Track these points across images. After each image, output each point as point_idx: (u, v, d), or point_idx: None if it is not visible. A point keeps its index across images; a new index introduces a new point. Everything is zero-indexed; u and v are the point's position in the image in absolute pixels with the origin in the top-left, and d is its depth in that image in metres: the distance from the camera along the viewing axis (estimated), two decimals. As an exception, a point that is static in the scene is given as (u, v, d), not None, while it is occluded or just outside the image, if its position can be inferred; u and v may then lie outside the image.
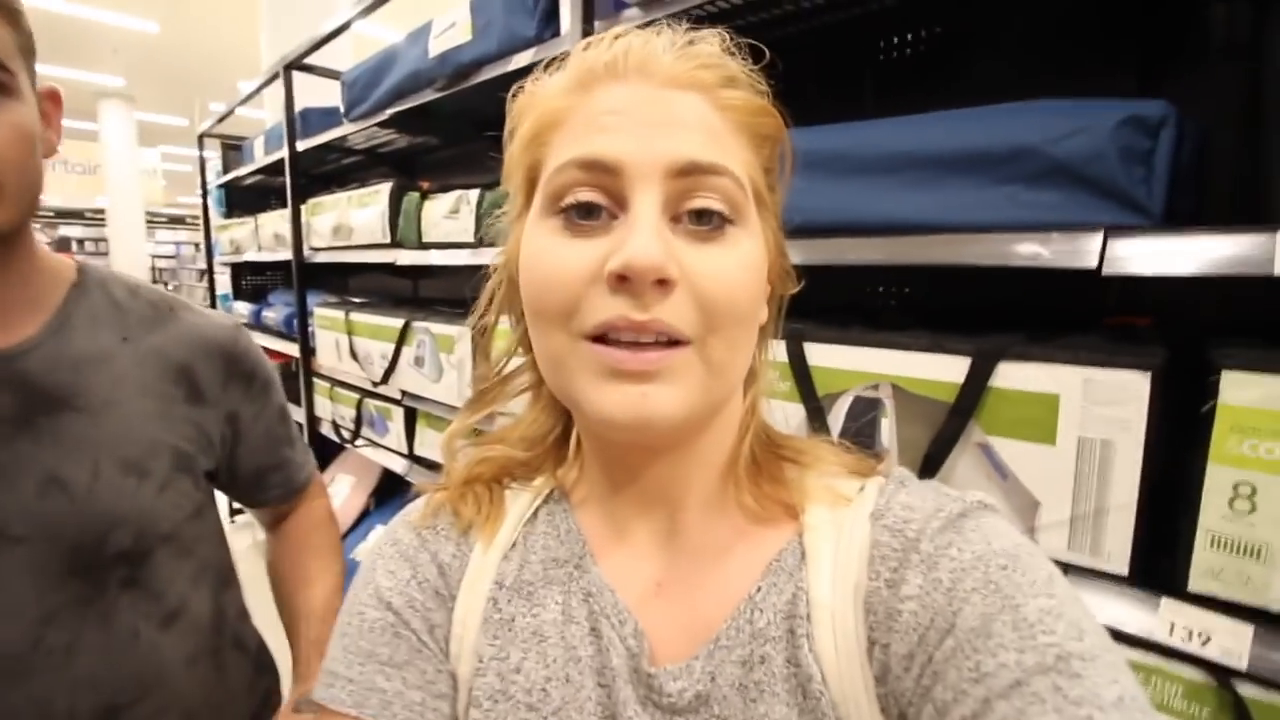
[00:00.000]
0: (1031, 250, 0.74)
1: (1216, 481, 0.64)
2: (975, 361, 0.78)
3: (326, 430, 2.38)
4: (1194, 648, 0.66)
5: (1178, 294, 0.84)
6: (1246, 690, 0.65)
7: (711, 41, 0.40)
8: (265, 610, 0.86)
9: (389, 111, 1.82)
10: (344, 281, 3.01)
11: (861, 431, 0.87)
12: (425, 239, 1.77)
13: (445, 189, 1.73)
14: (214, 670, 0.73)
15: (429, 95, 1.64)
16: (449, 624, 0.43)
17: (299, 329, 2.46)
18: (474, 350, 1.48)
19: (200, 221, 3.99)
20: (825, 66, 1.15)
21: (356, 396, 2.13)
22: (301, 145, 2.36)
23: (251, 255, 2.97)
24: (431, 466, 1.87)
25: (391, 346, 1.82)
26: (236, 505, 0.83)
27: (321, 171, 2.93)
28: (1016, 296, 0.97)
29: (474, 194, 1.60)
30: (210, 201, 3.80)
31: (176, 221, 13.51)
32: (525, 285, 0.39)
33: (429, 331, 1.69)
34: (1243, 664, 0.63)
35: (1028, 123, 0.76)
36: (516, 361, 0.48)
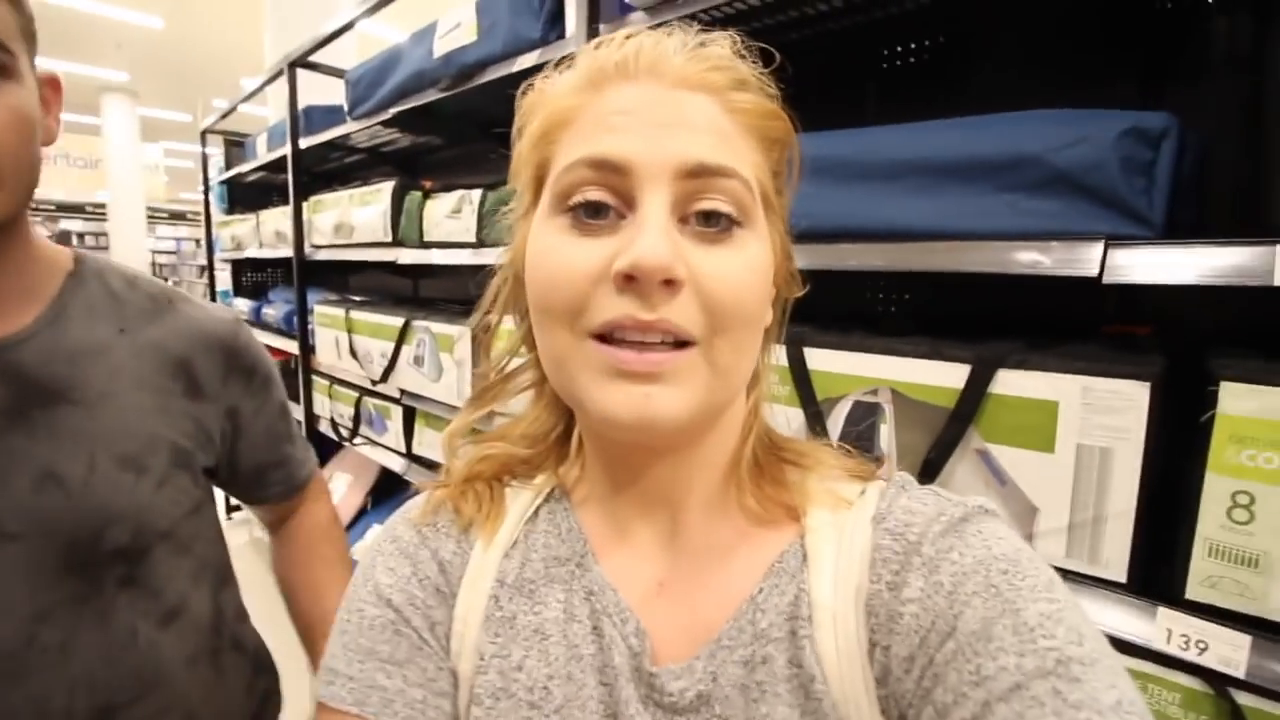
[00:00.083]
0: (1032, 258, 0.75)
1: (1215, 491, 0.64)
2: (975, 368, 0.78)
3: (325, 428, 2.38)
4: (1191, 656, 0.66)
5: (1177, 303, 0.84)
6: (1244, 699, 0.65)
7: (723, 44, 0.40)
8: (263, 609, 0.85)
9: (392, 111, 1.82)
10: (344, 279, 3.01)
11: (861, 436, 0.88)
12: (427, 238, 1.77)
13: (448, 189, 1.74)
14: (213, 670, 0.72)
15: (433, 95, 1.64)
16: (450, 621, 0.43)
17: (299, 326, 2.46)
18: (477, 348, 1.48)
19: (201, 217, 3.99)
20: (829, 73, 1.15)
21: (355, 395, 2.13)
22: (304, 143, 2.37)
23: (252, 252, 2.97)
24: (430, 466, 1.87)
25: (391, 345, 1.82)
26: (234, 502, 0.81)
27: (324, 169, 2.93)
28: (1017, 304, 0.98)
29: (476, 194, 1.60)
30: (212, 198, 3.80)
31: (178, 217, 13.51)
32: (531, 283, 0.39)
33: (429, 330, 1.69)
34: (1240, 672, 0.63)
35: (1030, 131, 0.76)
36: (519, 360, 0.48)
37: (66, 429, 0.61)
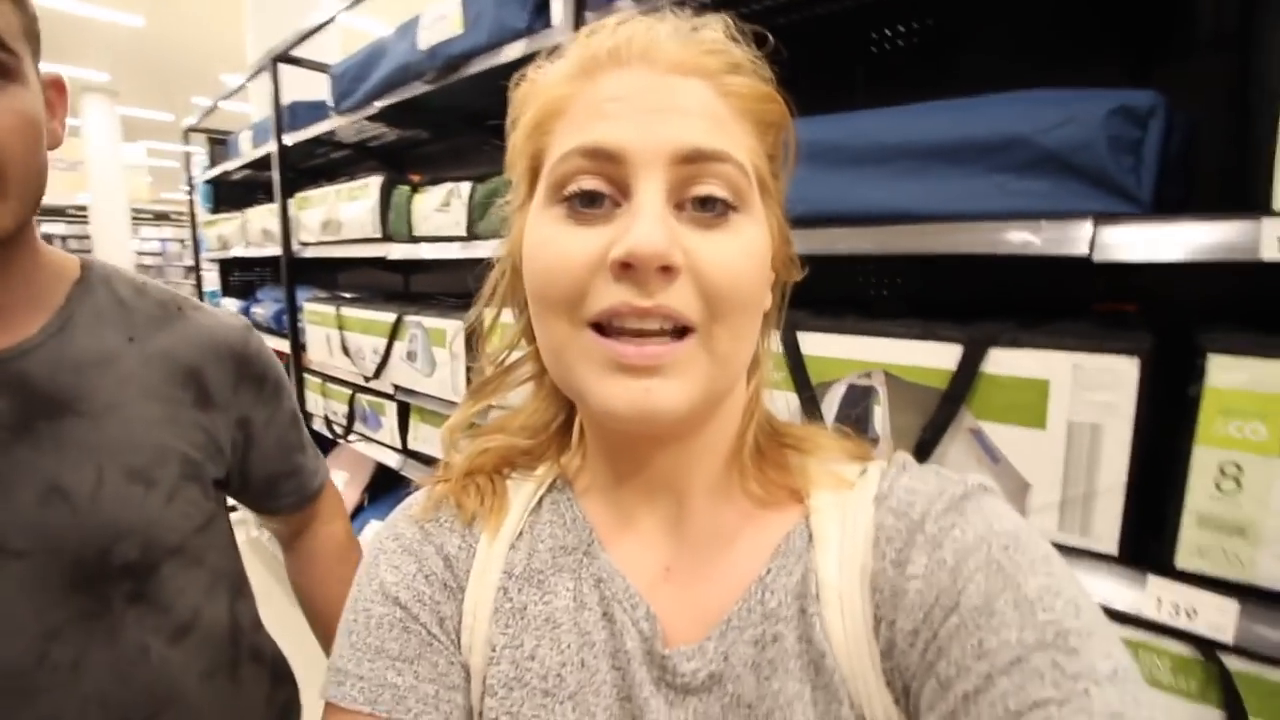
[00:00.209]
0: (1022, 238, 0.75)
1: (1203, 462, 0.66)
2: (967, 349, 0.79)
3: (319, 426, 2.37)
4: (1181, 623, 0.67)
5: (1165, 280, 0.85)
6: (1233, 663, 0.66)
7: (715, 27, 0.40)
8: (266, 616, 0.83)
9: (378, 105, 1.80)
10: (333, 276, 2.99)
11: (855, 419, 0.88)
12: (416, 232, 1.76)
13: (436, 182, 1.73)
14: (231, 684, 0.70)
15: (419, 88, 1.63)
16: (459, 615, 0.43)
17: (289, 325, 2.45)
18: (473, 342, 1.48)
19: (186, 217, 3.94)
20: (818, 58, 1.15)
21: (349, 392, 2.12)
22: (289, 139, 2.34)
23: (239, 251, 2.95)
24: (426, 461, 1.87)
25: (383, 341, 1.82)
26: (230, 502, 0.80)
27: (309, 166, 2.90)
28: (1007, 284, 0.99)
29: (465, 187, 1.60)
30: (196, 197, 3.76)
31: (162, 218, 13.33)
32: (529, 274, 0.39)
33: (421, 325, 1.69)
34: (1229, 638, 0.65)
35: (1018, 112, 0.77)
36: (518, 353, 0.48)
37: (73, 441, 0.59)
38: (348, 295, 2.40)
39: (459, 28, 1.45)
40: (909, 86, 1.09)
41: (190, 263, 3.97)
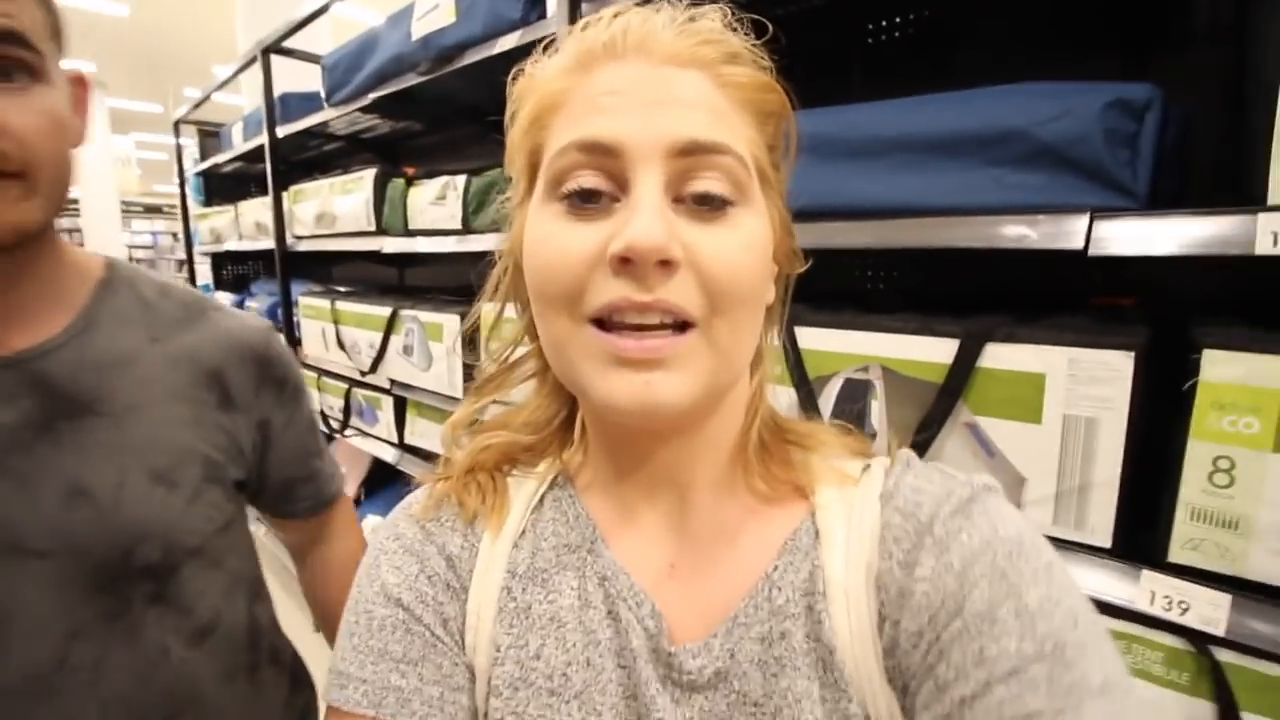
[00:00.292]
0: (1019, 232, 0.75)
1: (1197, 456, 0.66)
2: (964, 343, 0.79)
3: (314, 420, 2.36)
4: (1174, 616, 0.68)
5: (1162, 274, 0.86)
6: (1224, 656, 0.67)
7: (713, 17, 0.39)
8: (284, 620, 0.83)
9: (371, 96, 1.79)
10: (327, 270, 2.97)
11: (852, 413, 0.89)
12: (411, 226, 1.75)
13: (431, 175, 1.71)
14: (250, 686, 0.70)
15: (412, 79, 1.61)
16: (463, 615, 0.43)
17: (283, 319, 2.44)
18: (473, 337, 1.47)
19: (178, 210, 3.91)
20: (814, 49, 1.14)
21: (344, 386, 2.12)
22: (282, 131, 2.32)
23: (232, 244, 2.92)
24: (423, 455, 1.87)
25: (379, 335, 1.81)
26: None
27: (302, 158, 2.88)
28: (1004, 278, 0.99)
29: (461, 179, 1.59)
30: (188, 189, 3.73)
31: (153, 210, 13.23)
32: (529, 271, 0.39)
33: (417, 319, 1.68)
34: (1220, 631, 0.65)
35: (1015, 105, 0.76)
36: (521, 350, 0.47)
37: (95, 442, 0.59)
38: (342, 289, 2.39)
39: (452, 18, 1.44)
40: (906, 79, 1.09)
41: (182, 256, 3.94)
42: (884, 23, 1.18)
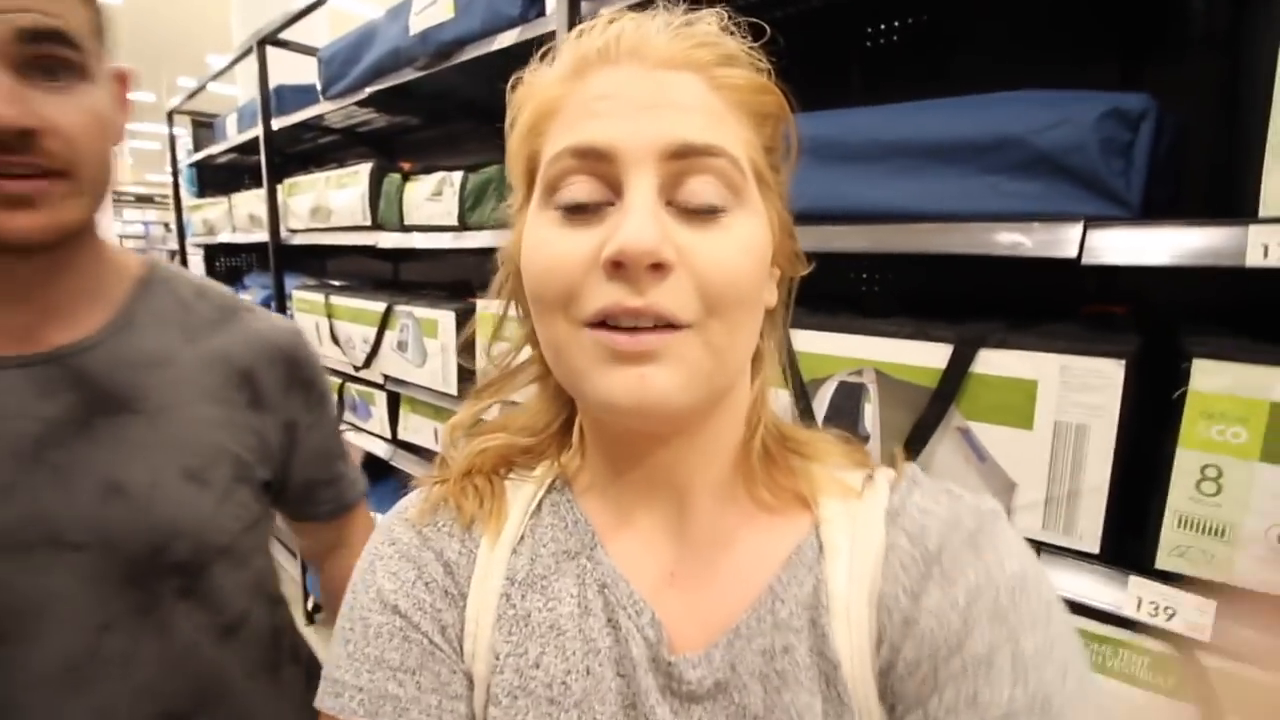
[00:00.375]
0: (1013, 240, 0.76)
1: (1185, 465, 0.67)
2: (957, 348, 0.80)
3: (307, 415, 2.36)
4: (1160, 621, 0.69)
5: (1154, 282, 0.86)
6: (1209, 661, 0.68)
7: (709, 21, 0.39)
8: None
9: (368, 90, 1.78)
10: (321, 264, 2.96)
11: (846, 416, 0.89)
12: (407, 221, 1.74)
13: (427, 170, 1.71)
14: (272, 684, 0.71)
15: (410, 74, 1.61)
16: (461, 623, 0.42)
17: (277, 312, 2.42)
18: (471, 337, 1.47)
19: (170, 201, 3.87)
20: (813, 52, 1.15)
21: (338, 381, 2.11)
22: (277, 124, 2.31)
23: (225, 237, 2.90)
24: (416, 451, 1.86)
25: (373, 330, 1.80)
26: None
27: (297, 150, 2.86)
28: (999, 282, 0.99)
29: (457, 176, 1.58)
30: (181, 180, 3.70)
31: (145, 200, 13.11)
32: (526, 276, 0.39)
33: (412, 315, 1.68)
34: (1206, 636, 0.66)
35: (1012, 113, 0.77)
36: (524, 355, 0.47)
37: (130, 439, 0.60)
38: (337, 283, 2.38)
39: (450, 13, 1.43)
40: (904, 82, 1.10)
41: (175, 247, 3.91)
42: (883, 25, 1.19)
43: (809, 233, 0.88)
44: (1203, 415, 0.65)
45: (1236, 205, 0.69)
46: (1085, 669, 0.35)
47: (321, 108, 2.03)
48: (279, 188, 2.32)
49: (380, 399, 1.93)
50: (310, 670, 0.80)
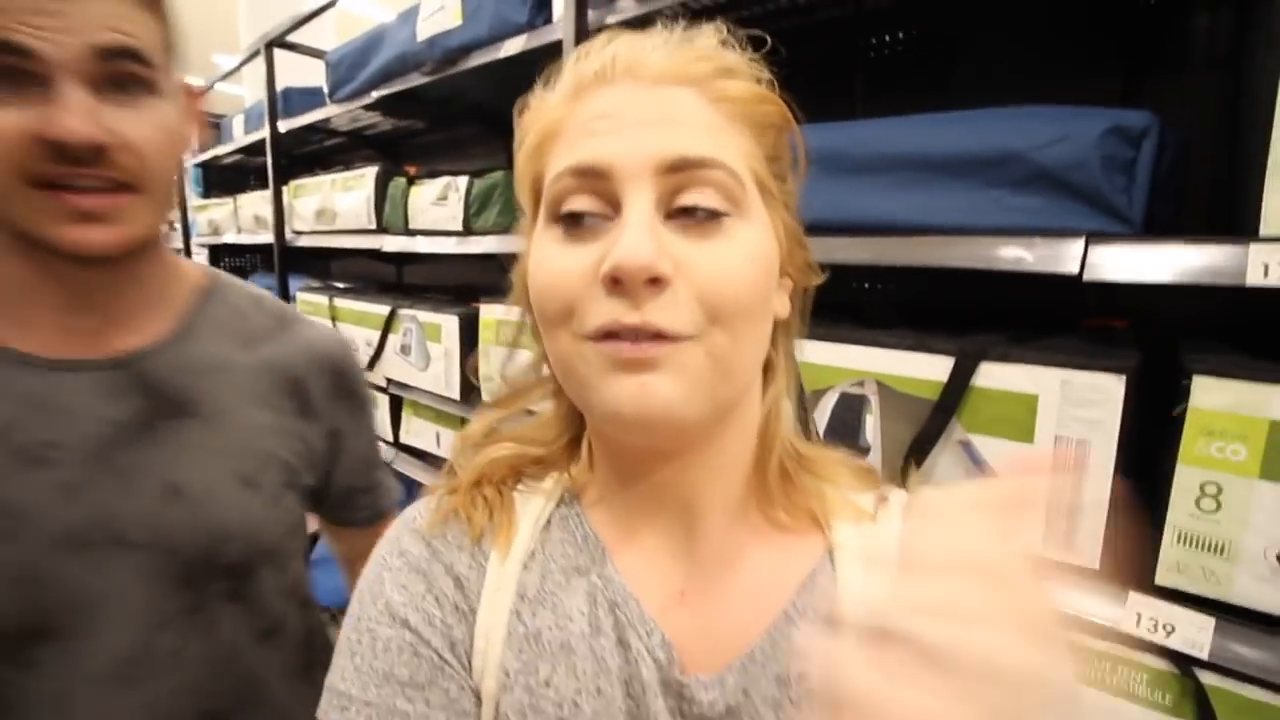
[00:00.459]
0: (1015, 254, 0.76)
1: (1185, 481, 0.67)
2: (959, 361, 0.80)
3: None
4: (1159, 638, 0.69)
5: (1155, 298, 0.87)
6: (1207, 678, 0.68)
7: (709, 36, 0.40)
8: None
9: (375, 94, 1.79)
10: (325, 265, 2.97)
11: (847, 427, 0.89)
12: (412, 225, 1.75)
13: (432, 174, 1.72)
14: (306, 686, 0.71)
15: (417, 79, 1.62)
16: (470, 639, 0.41)
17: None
18: (474, 339, 1.47)
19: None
20: (817, 63, 1.15)
21: (340, 382, 2.11)
22: (284, 126, 2.32)
23: (230, 237, 2.92)
24: (418, 455, 1.87)
25: (377, 334, 1.81)
26: None
27: (303, 152, 2.87)
28: (1000, 297, 1.00)
29: (463, 181, 1.59)
30: (186, 180, 3.71)
31: (150, 198, 13.13)
32: (532, 293, 0.39)
33: (416, 319, 1.68)
34: (1204, 654, 0.66)
35: (1015, 128, 0.77)
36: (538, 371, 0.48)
37: (190, 443, 0.62)
38: (340, 285, 2.38)
39: (458, 20, 1.44)
40: (908, 93, 1.10)
41: (180, 246, 3.92)
42: (886, 37, 1.19)
43: (815, 244, 0.89)
44: (1202, 432, 0.66)
45: (1238, 223, 0.70)
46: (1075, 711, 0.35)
47: (328, 111, 2.04)
48: (284, 189, 2.33)
49: (383, 402, 1.93)
50: None
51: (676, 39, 0.39)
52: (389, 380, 1.84)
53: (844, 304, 1.18)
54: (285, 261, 2.41)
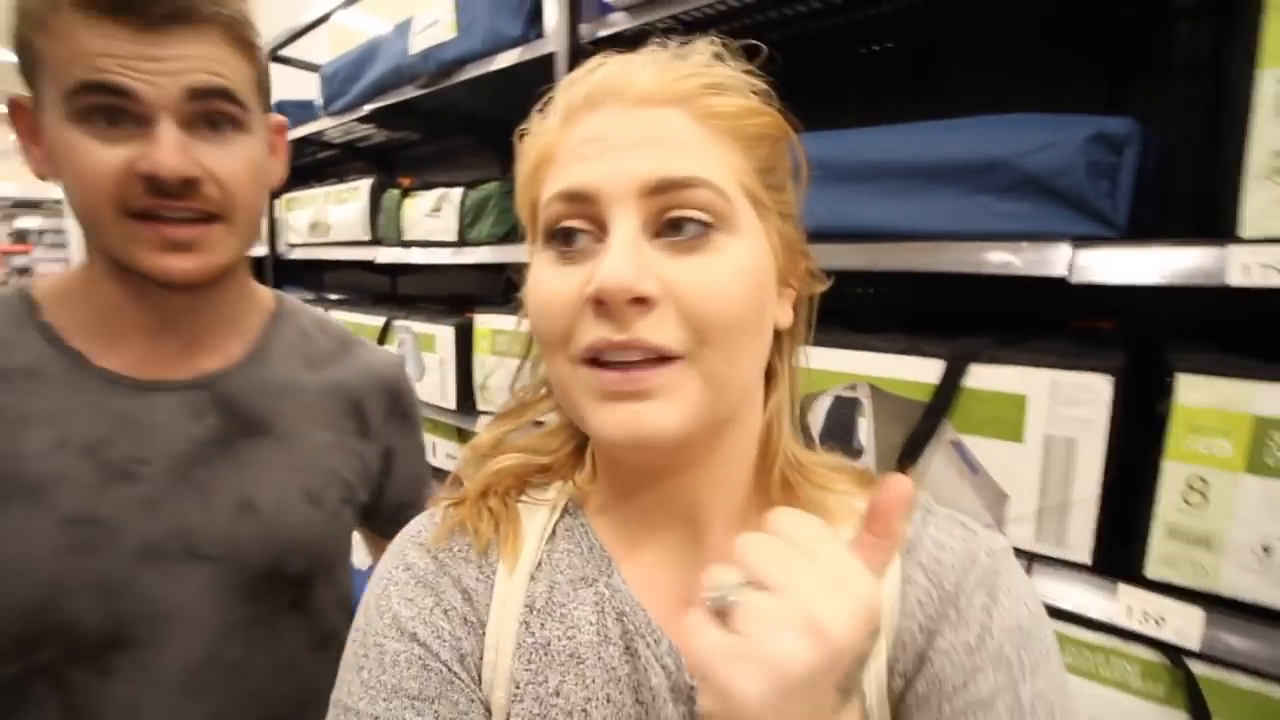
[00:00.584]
0: (1003, 259, 0.78)
1: (1172, 476, 0.69)
2: (949, 363, 0.81)
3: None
4: (1150, 630, 0.70)
5: (1140, 299, 0.89)
6: (1198, 669, 0.70)
7: (701, 51, 0.40)
8: None
9: (369, 107, 1.80)
10: (319, 277, 2.96)
11: (841, 430, 0.91)
12: (406, 237, 1.76)
13: (427, 186, 1.73)
14: None
15: (411, 92, 1.63)
16: (480, 651, 0.42)
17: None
18: (469, 351, 1.47)
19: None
20: (810, 72, 1.17)
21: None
22: (277, 138, 2.32)
23: (224, 249, 2.91)
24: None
25: (372, 344, 1.81)
26: None
27: (296, 165, 2.86)
28: (989, 301, 1.01)
29: (457, 192, 1.60)
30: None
31: (139, 212, 13.06)
32: (529, 315, 0.41)
33: (410, 330, 1.69)
34: (1195, 645, 0.68)
35: (1001, 136, 0.79)
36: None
37: (264, 460, 0.65)
38: (334, 297, 2.39)
39: (452, 33, 1.46)
40: (900, 99, 1.12)
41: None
42: (875, 47, 1.22)
43: (810, 251, 0.91)
44: (1188, 429, 0.67)
45: (1220, 226, 0.72)
46: (1071, 714, 0.37)
47: (322, 123, 2.05)
48: (278, 202, 2.33)
49: (378, 412, 1.93)
50: None
51: (666, 57, 0.40)
52: (385, 390, 1.84)
53: (837, 309, 1.19)
54: (279, 274, 2.41)
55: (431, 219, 1.66)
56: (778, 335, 0.44)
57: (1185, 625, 0.68)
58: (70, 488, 0.57)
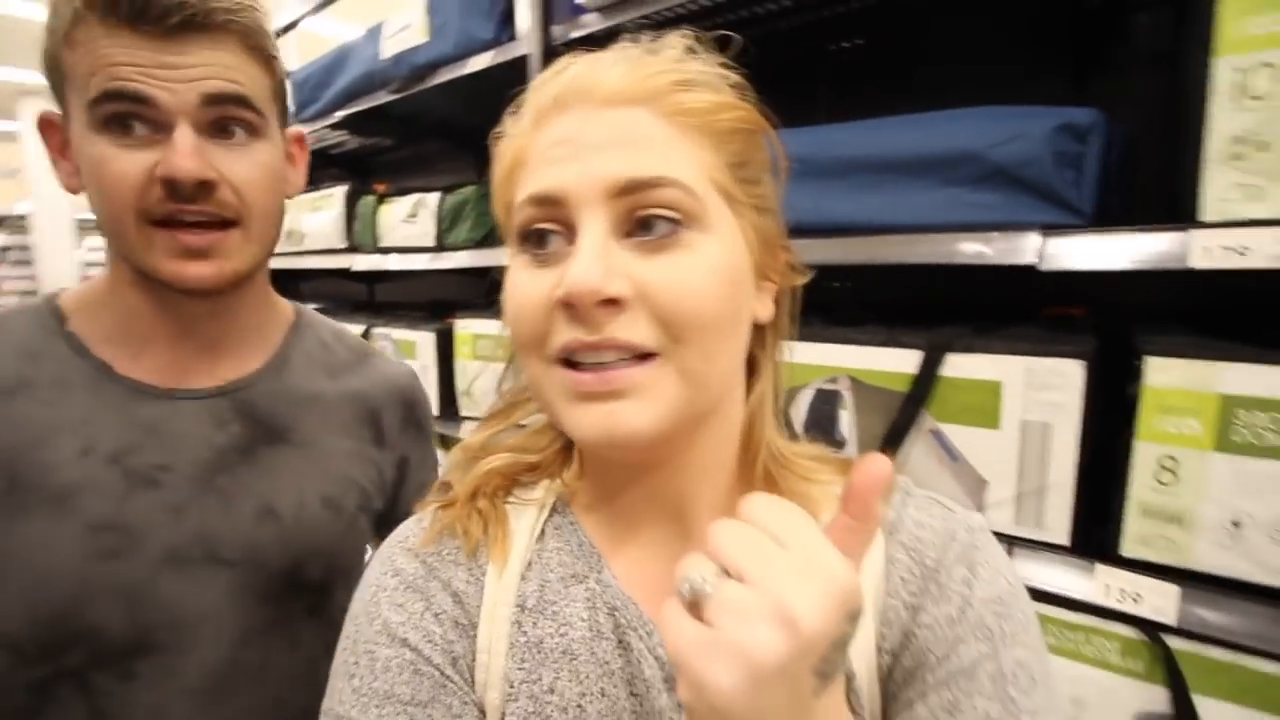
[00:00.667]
0: (975, 249, 0.79)
1: (1144, 457, 0.70)
2: (926, 354, 0.83)
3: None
4: (1127, 607, 0.72)
5: (1109, 285, 0.91)
6: (1175, 644, 0.71)
7: (673, 46, 0.40)
8: None
9: (341, 113, 1.78)
10: (295, 286, 2.92)
11: (823, 423, 0.92)
12: (383, 243, 1.74)
13: (402, 192, 1.71)
14: None
15: (383, 97, 1.62)
16: (472, 653, 0.42)
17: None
18: (450, 355, 1.46)
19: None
20: (781, 68, 1.18)
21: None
22: (248, 147, 2.29)
23: (197, 261, 2.86)
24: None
25: (352, 352, 1.79)
26: None
27: (269, 173, 2.83)
28: (963, 291, 1.03)
29: (433, 197, 1.59)
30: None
31: (108, 226, 12.80)
32: (505, 318, 0.40)
33: (390, 338, 1.67)
34: (1172, 620, 0.69)
35: (970, 129, 0.81)
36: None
37: (285, 467, 0.66)
38: (312, 306, 2.35)
39: (424, 36, 1.45)
40: (870, 94, 1.13)
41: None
42: (844, 44, 1.23)
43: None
44: (1158, 409, 0.69)
45: (1183, 211, 0.74)
46: (1050, 681, 0.38)
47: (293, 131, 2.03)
48: (251, 211, 2.30)
49: (360, 421, 1.91)
50: None
51: (637, 53, 0.40)
52: (366, 399, 1.82)
53: (815, 303, 1.21)
54: (254, 284, 2.37)
55: (408, 224, 1.65)
56: (759, 328, 0.44)
57: (1161, 602, 0.70)
58: (96, 495, 0.58)
